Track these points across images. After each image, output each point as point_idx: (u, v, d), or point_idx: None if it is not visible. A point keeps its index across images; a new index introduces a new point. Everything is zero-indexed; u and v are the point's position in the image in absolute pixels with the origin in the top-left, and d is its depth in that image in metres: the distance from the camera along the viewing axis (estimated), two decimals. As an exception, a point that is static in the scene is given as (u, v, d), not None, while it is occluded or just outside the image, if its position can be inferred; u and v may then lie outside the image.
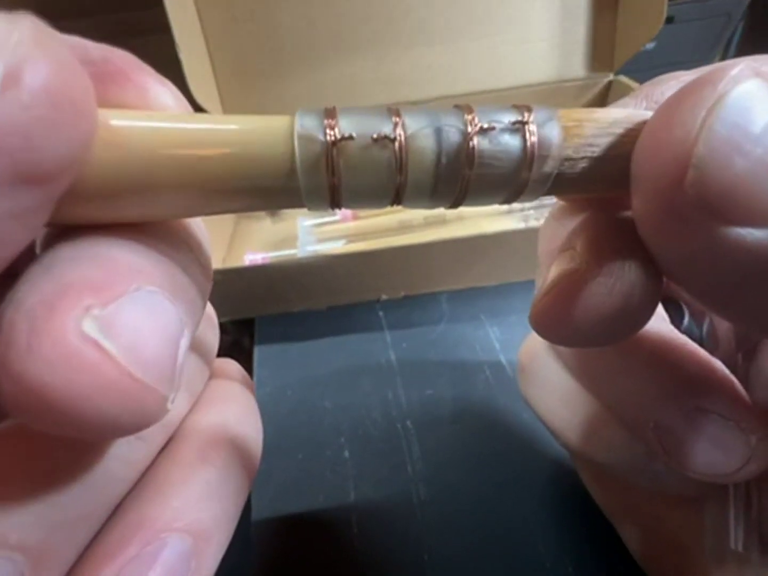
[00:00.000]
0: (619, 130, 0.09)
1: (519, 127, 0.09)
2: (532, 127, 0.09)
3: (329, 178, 0.08)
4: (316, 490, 0.24)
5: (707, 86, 0.08)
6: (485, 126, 0.09)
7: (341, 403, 0.28)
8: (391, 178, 0.09)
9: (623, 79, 0.42)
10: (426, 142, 0.09)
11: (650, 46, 0.42)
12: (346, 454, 0.25)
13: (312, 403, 0.28)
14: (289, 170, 0.08)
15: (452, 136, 0.09)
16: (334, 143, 0.08)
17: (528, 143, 0.09)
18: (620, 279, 0.10)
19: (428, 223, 0.36)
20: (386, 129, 0.08)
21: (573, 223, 0.12)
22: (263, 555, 0.22)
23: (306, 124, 0.08)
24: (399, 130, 0.08)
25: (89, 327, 0.07)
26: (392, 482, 0.24)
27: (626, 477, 0.16)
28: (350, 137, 0.08)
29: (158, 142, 0.08)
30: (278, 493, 0.24)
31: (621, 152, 0.09)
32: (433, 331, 0.31)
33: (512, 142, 0.09)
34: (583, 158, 0.09)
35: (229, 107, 0.40)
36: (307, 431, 0.27)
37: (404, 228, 0.36)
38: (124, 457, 0.10)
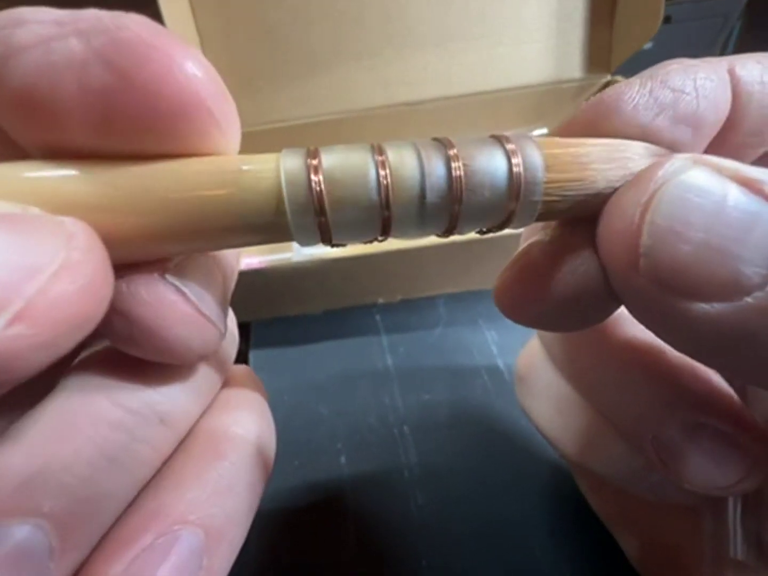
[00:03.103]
0: (599, 161, 0.09)
1: (503, 159, 0.09)
2: (517, 159, 0.09)
3: (317, 218, 0.09)
4: (313, 497, 0.24)
5: (647, 181, 0.09)
6: (467, 161, 0.09)
7: (338, 409, 0.28)
8: (377, 215, 0.09)
9: (620, 80, 0.41)
10: (410, 180, 0.09)
11: (647, 46, 0.42)
12: (343, 459, 0.25)
13: (308, 409, 0.28)
14: (279, 211, 0.09)
15: (436, 171, 0.09)
16: (319, 184, 0.08)
17: (513, 174, 0.09)
18: (587, 261, 0.10)
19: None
20: (370, 167, 0.09)
21: None
22: (260, 562, 0.21)
23: (290, 166, 0.08)
24: (382, 169, 0.09)
25: (170, 276, 0.09)
26: (389, 488, 0.24)
27: (625, 486, 0.16)
28: (334, 177, 0.08)
29: (159, 186, 0.08)
30: (274, 500, 0.24)
31: (594, 183, 0.09)
32: (430, 336, 0.31)
33: (497, 174, 0.09)
34: (566, 185, 0.09)
35: (224, 110, 0.40)
36: (303, 437, 0.26)
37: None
38: (150, 440, 0.10)
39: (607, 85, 0.43)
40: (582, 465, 0.16)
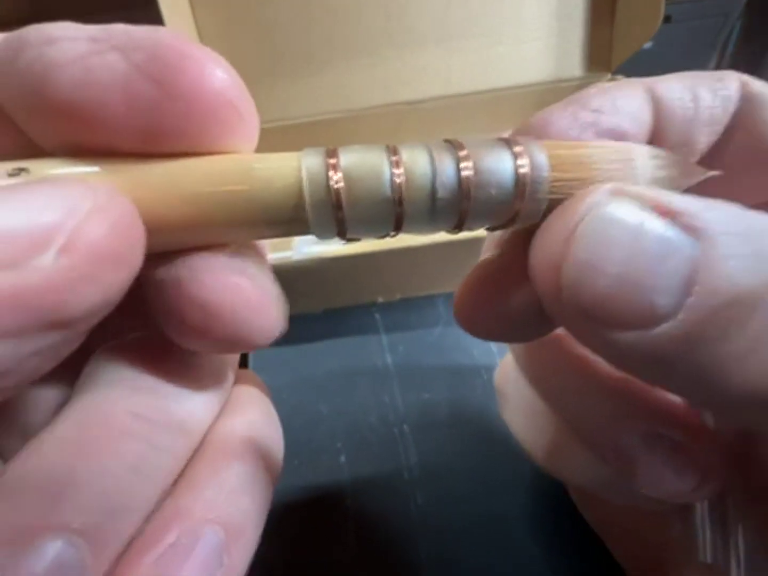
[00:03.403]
0: (602, 161, 0.10)
1: (510, 160, 0.09)
2: (523, 161, 0.09)
3: (335, 213, 0.09)
4: (313, 496, 0.24)
5: (570, 214, 0.09)
6: (476, 161, 0.09)
7: (337, 407, 0.28)
8: (391, 211, 0.09)
9: (621, 78, 0.41)
10: (422, 179, 0.09)
11: (647, 46, 0.42)
12: (343, 458, 0.25)
13: (308, 407, 0.28)
14: (300, 206, 0.09)
15: (447, 170, 0.09)
16: (337, 181, 0.09)
17: (519, 174, 0.09)
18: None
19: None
20: (385, 166, 0.09)
21: None
22: (260, 562, 0.21)
23: (310, 164, 0.09)
24: (396, 168, 0.09)
25: (233, 259, 0.10)
26: (389, 487, 0.24)
27: (597, 494, 0.17)
28: (351, 176, 0.09)
29: (194, 182, 0.09)
30: (274, 499, 0.24)
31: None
32: (430, 334, 0.31)
33: (504, 173, 0.09)
34: (571, 184, 0.10)
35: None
36: (303, 436, 0.26)
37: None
38: (169, 448, 0.10)
39: (607, 84, 0.43)
40: (554, 474, 0.17)
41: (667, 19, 0.43)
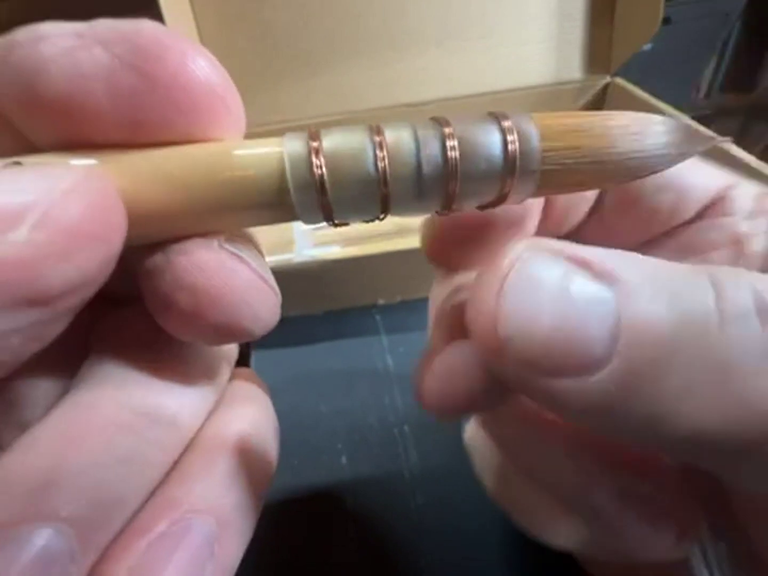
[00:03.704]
0: (589, 132, 0.10)
1: (497, 133, 0.09)
2: (512, 135, 0.09)
3: (319, 197, 0.09)
4: (313, 496, 0.24)
5: (497, 271, 0.09)
6: (462, 136, 0.09)
7: (338, 408, 0.28)
8: (376, 192, 0.09)
9: (620, 80, 0.42)
10: (407, 157, 0.09)
11: (647, 47, 0.42)
12: (343, 459, 0.25)
13: (308, 408, 0.28)
14: (284, 191, 0.09)
15: (431, 146, 0.09)
16: (320, 166, 0.09)
17: (509, 147, 0.09)
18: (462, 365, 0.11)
19: (425, 226, 0.36)
20: (368, 146, 0.09)
21: (451, 286, 0.14)
22: (259, 561, 0.21)
23: (292, 149, 0.09)
24: (380, 150, 0.09)
25: (228, 244, 0.10)
26: (389, 487, 0.24)
27: (586, 555, 0.16)
28: (334, 158, 0.09)
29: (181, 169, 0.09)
30: (274, 499, 0.24)
31: (593, 154, 0.10)
32: (430, 335, 0.31)
33: (492, 146, 0.09)
34: (560, 157, 0.09)
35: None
36: (303, 436, 0.26)
37: (401, 232, 0.36)
38: (160, 442, 0.10)
39: (607, 86, 0.43)
40: (540, 538, 0.16)
41: (666, 20, 0.43)
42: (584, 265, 0.09)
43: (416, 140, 0.09)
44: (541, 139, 0.09)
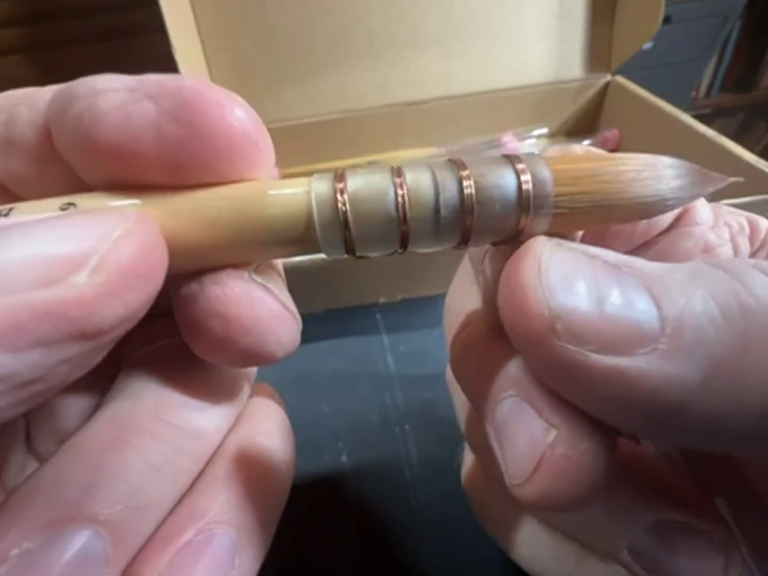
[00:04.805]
0: (602, 178, 0.10)
1: (513, 177, 0.10)
2: (525, 175, 0.10)
3: (343, 233, 0.10)
4: (315, 495, 0.24)
5: (530, 256, 0.09)
6: (478, 179, 0.10)
7: (339, 407, 0.28)
8: (396, 229, 0.10)
9: (621, 79, 0.42)
10: (425, 198, 0.10)
11: (648, 46, 0.42)
12: (344, 458, 0.25)
13: (310, 407, 0.28)
14: (310, 228, 0.10)
15: (449, 188, 0.10)
16: (344, 203, 0.10)
17: (522, 188, 0.10)
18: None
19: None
20: (389, 187, 0.10)
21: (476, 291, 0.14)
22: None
23: (319, 189, 0.10)
24: (400, 189, 0.10)
25: (256, 276, 0.10)
26: (390, 485, 0.24)
27: None
28: (357, 198, 0.10)
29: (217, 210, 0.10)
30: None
31: (605, 198, 0.10)
32: (430, 335, 0.31)
33: (507, 189, 0.10)
34: (572, 201, 0.10)
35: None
36: (304, 435, 0.26)
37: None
38: (189, 451, 0.11)
39: (607, 84, 0.43)
40: None
41: (666, 19, 0.43)
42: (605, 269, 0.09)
43: (435, 182, 0.10)
44: (555, 184, 0.10)
